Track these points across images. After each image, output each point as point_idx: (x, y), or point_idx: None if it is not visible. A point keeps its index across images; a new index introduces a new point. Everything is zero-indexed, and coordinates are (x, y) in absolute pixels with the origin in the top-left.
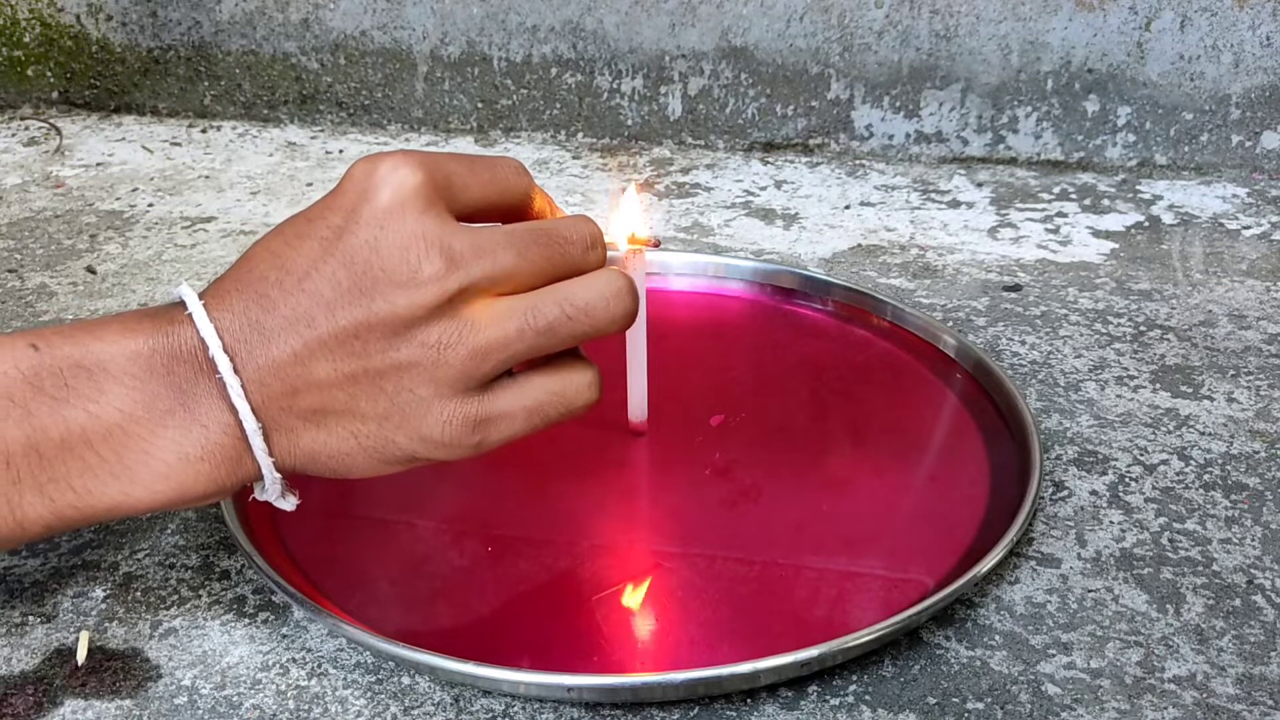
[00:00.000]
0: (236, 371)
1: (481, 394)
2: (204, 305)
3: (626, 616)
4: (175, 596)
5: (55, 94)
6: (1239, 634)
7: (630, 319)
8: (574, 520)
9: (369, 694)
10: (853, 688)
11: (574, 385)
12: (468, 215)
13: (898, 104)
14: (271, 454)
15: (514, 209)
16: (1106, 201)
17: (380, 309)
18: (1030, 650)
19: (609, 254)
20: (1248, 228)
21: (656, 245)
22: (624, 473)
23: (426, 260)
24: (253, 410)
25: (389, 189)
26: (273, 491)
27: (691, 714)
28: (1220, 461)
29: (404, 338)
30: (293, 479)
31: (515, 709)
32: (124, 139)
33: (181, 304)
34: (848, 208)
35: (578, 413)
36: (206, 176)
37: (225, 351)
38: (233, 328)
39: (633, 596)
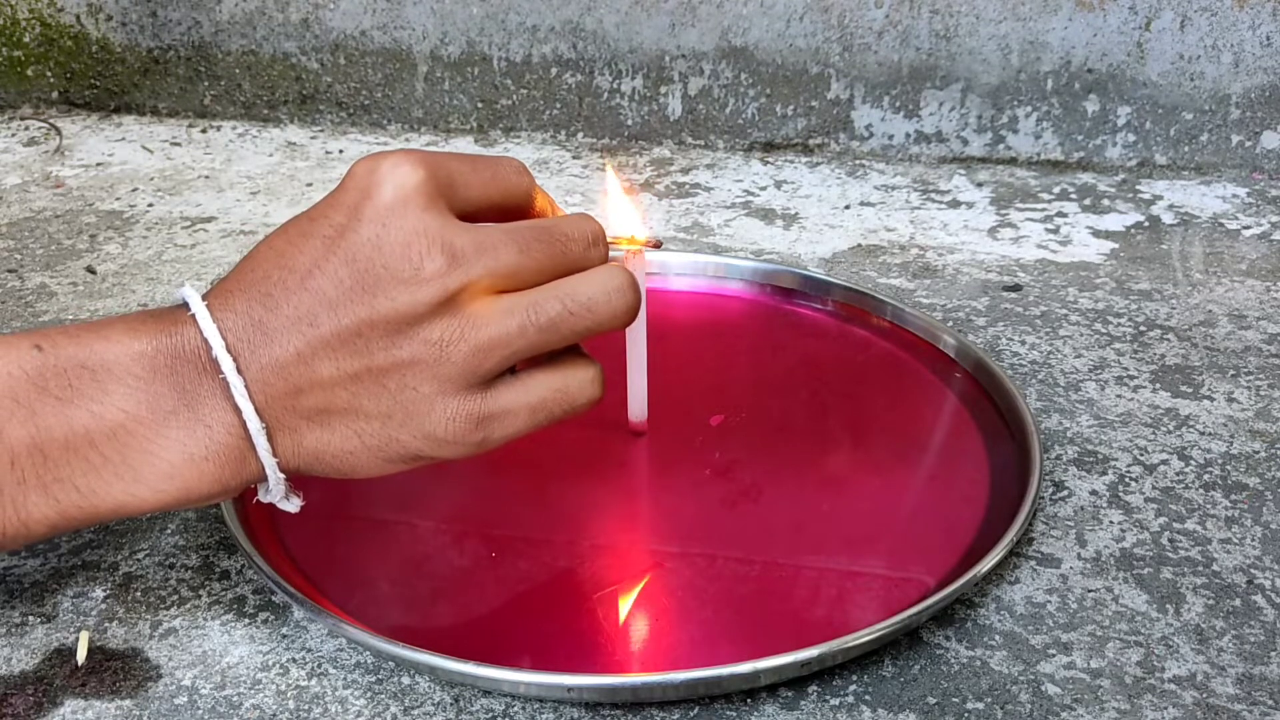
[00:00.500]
0: (240, 371)
1: (484, 391)
2: (207, 306)
3: (626, 616)
4: (175, 596)
5: (55, 94)
6: (1239, 634)
7: (632, 314)
8: (574, 520)
9: (369, 694)
10: (853, 688)
11: (577, 382)
12: (469, 214)
13: (898, 104)
14: (275, 454)
15: (515, 209)
16: (1106, 201)
17: (382, 307)
18: (1030, 650)
19: (610, 252)
20: (1248, 228)
21: (658, 246)
22: (624, 473)
23: (428, 257)
24: (256, 410)
25: (391, 187)
26: (276, 493)
27: (691, 714)
28: (1220, 461)
29: (406, 335)
30: (294, 479)
31: (515, 709)
32: (124, 139)
33: (185, 305)
34: (848, 208)
35: (581, 410)
36: (206, 176)
37: (228, 351)
38: (236, 328)
39: (632, 596)
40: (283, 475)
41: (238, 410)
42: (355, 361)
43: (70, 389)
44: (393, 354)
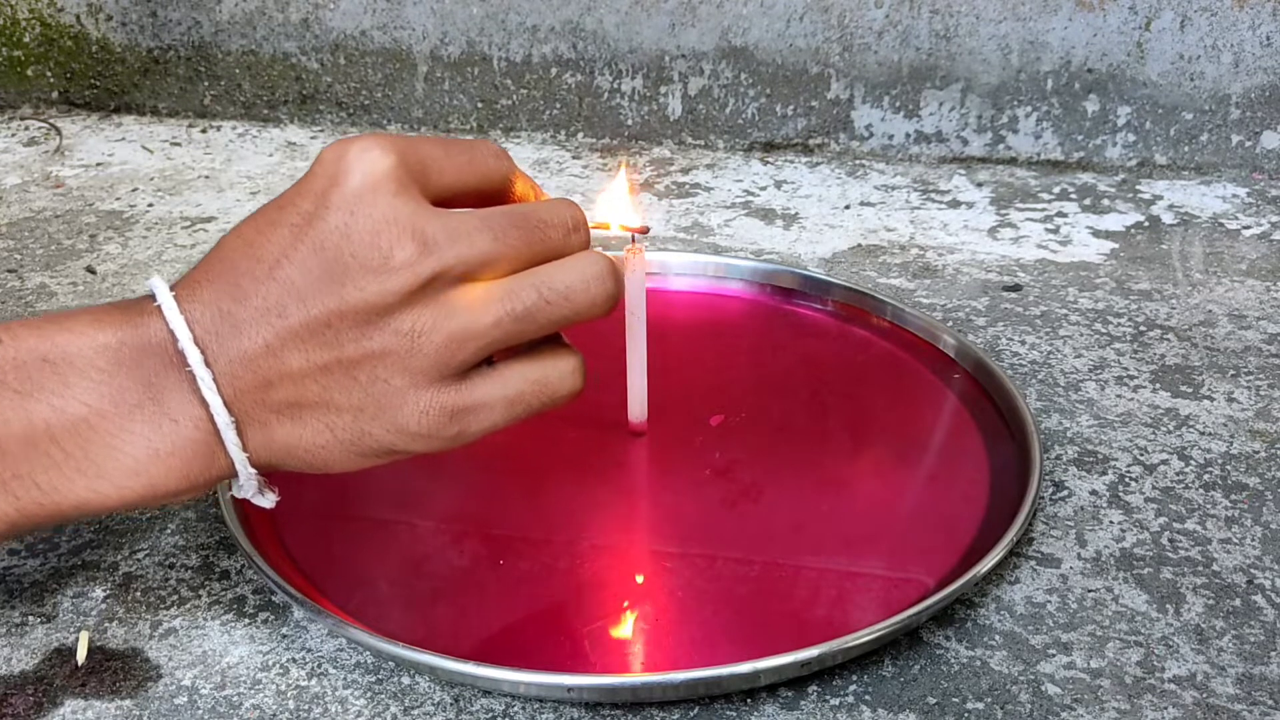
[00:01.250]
0: (207, 364)
1: (459, 383)
2: (174, 296)
3: (627, 616)
4: (175, 596)
5: (55, 94)
6: (1239, 634)
7: (612, 302)
8: (574, 520)
9: (369, 694)
10: (853, 688)
11: (557, 373)
12: (445, 199)
13: (898, 104)
14: (245, 448)
15: (494, 194)
16: (1106, 201)
17: (351, 297)
18: (1030, 650)
19: (601, 242)
20: (1248, 228)
21: (644, 232)
22: (624, 473)
23: (398, 246)
24: (224, 404)
25: (359, 173)
26: (249, 488)
27: (691, 714)
28: (1220, 461)
29: (376, 326)
30: (284, 476)
31: (515, 709)
32: (124, 139)
33: (152, 296)
34: (848, 208)
35: (561, 402)
36: (206, 176)
37: (195, 343)
38: (203, 319)
39: (632, 597)
40: (254, 470)
41: (205, 404)
42: (325, 353)
43: (30, 382)
44: (363, 345)
